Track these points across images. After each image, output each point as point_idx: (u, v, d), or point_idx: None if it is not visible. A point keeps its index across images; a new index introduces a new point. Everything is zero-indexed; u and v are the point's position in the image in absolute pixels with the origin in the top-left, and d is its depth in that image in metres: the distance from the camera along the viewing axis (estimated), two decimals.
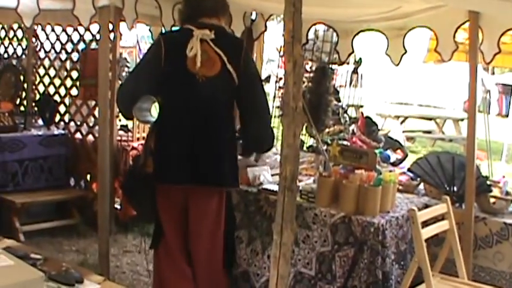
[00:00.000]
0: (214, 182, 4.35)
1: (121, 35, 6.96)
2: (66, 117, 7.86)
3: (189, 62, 4.12)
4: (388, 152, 6.04)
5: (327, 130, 6.11)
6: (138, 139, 7.24)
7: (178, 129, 4.21)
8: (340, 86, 6.83)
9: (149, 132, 4.31)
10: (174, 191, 4.29)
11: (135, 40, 7.57)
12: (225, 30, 4.54)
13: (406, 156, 6.22)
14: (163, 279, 4.45)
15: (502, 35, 4.87)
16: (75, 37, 7.77)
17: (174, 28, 4.22)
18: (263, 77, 7.51)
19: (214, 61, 4.18)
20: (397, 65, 5.48)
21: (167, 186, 4.29)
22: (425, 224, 4.35)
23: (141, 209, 4.32)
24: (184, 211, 4.33)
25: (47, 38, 8.18)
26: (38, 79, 8.36)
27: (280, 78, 6.81)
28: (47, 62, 8.28)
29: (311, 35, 6.35)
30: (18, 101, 8.30)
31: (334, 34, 6.05)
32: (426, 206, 4.91)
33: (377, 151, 5.35)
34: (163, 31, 4.15)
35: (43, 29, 8.16)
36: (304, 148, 6.17)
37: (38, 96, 8.31)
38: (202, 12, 4.31)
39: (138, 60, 7.31)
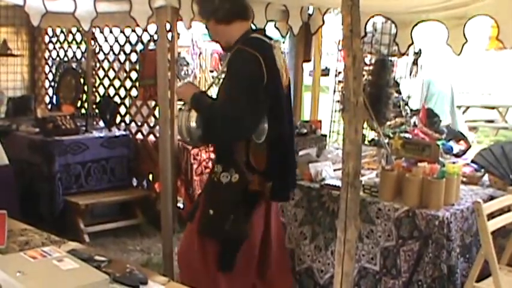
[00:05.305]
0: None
1: (178, 34, 6.98)
2: (127, 118, 7.93)
3: (281, 75, 4.06)
4: (451, 143, 5.97)
5: (388, 123, 6.05)
6: None
7: (284, 144, 4.15)
8: (400, 78, 6.77)
9: (236, 147, 3.98)
10: (261, 204, 4.21)
11: (190, 39, 7.58)
12: None
13: (469, 147, 6.12)
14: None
15: None
16: (133, 38, 7.83)
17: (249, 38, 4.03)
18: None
19: (287, 70, 4.20)
20: (459, 54, 5.38)
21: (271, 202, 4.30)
22: (491, 216, 4.26)
23: (239, 227, 4.18)
24: (265, 224, 4.31)
25: (105, 40, 8.25)
26: (98, 81, 8.46)
27: (340, 72, 6.76)
28: (106, 64, 8.34)
29: (369, 28, 6.29)
30: (79, 104, 8.42)
31: (393, 26, 5.99)
32: (491, 198, 4.80)
33: (439, 143, 5.29)
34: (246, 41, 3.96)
35: (101, 32, 8.22)
36: (366, 142, 6.12)
37: (98, 98, 8.40)
38: (251, 13, 4.29)
39: (194, 60, 7.34)
